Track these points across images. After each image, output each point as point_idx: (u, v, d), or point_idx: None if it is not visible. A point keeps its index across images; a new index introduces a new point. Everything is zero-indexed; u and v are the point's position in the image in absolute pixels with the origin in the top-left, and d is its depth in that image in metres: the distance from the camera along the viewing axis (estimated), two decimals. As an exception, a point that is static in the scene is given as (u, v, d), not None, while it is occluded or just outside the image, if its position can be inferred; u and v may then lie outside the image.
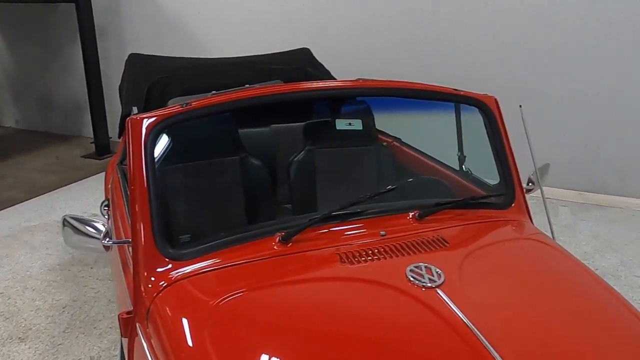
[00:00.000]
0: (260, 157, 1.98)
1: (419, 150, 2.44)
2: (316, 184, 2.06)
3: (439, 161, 2.30)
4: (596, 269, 3.04)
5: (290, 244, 1.50)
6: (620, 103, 3.81)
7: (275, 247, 1.49)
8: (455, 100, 1.93)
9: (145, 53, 3.32)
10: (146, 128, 1.55)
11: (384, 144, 2.39)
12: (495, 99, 1.89)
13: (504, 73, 3.98)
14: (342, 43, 4.36)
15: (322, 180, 2.06)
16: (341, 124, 2.02)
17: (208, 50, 4.86)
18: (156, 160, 1.55)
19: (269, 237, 1.51)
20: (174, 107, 1.65)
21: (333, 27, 4.42)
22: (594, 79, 3.83)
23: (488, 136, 1.86)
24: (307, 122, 2.12)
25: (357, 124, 1.99)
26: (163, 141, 1.60)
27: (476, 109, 1.88)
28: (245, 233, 1.56)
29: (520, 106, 1.87)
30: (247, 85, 2.03)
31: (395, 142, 2.51)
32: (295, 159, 2.07)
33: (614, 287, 1.61)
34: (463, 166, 2.11)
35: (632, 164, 3.89)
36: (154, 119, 1.57)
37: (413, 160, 2.42)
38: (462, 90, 1.89)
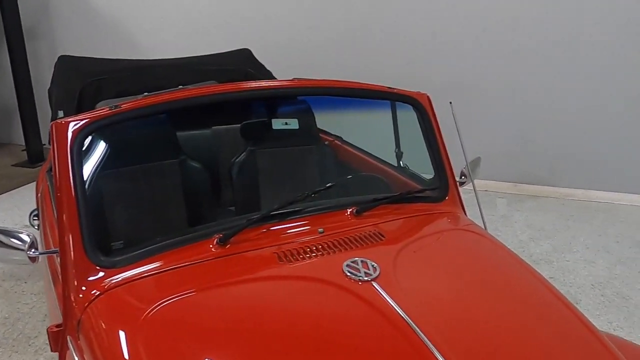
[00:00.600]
0: (201, 160, 1.94)
1: (360, 148, 2.48)
2: (259, 184, 2.05)
3: (378, 158, 2.35)
4: (531, 256, 3.22)
5: (229, 245, 1.48)
6: (548, 98, 4.05)
7: (213, 250, 1.47)
8: (388, 98, 1.97)
9: (78, 55, 3.18)
10: (72, 133, 1.49)
11: (326, 142, 2.41)
12: (428, 96, 1.95)
13: (438, 71, 4.13)
14: (284, 42, 4.37)
15: (264, 180, 2.05)
16: (277, 124, 2.01)
17: (145, 51, 4.71)
18: (84, 166, 1.49)
19: (206, 240, 1.49)
20: (101, 110, 1.59)
21: (275, 26, 4.42)
22: (524, 75, 4.05)
23: (422, 132, 1.91)
24: (244, 122, 2.10)
25: (293, 124, 1.99)
26: (91, 146, 1.54)
27: (410, 106, 1.93)
28: (181, 237, 1.53)
29: (451, 102, 1.94)
30: (181, 87, 1.99)
31: (336, 141, 2.54)
32: (237, 160, 2.05)
33: (548, 271, 1.71)
34: (401, 162, 2.17)
35: (560, 155, 4.14)
36: (80, 123, 1.50)
37: (354, 158, 2.46)
38: (395, 88, 1.93)
